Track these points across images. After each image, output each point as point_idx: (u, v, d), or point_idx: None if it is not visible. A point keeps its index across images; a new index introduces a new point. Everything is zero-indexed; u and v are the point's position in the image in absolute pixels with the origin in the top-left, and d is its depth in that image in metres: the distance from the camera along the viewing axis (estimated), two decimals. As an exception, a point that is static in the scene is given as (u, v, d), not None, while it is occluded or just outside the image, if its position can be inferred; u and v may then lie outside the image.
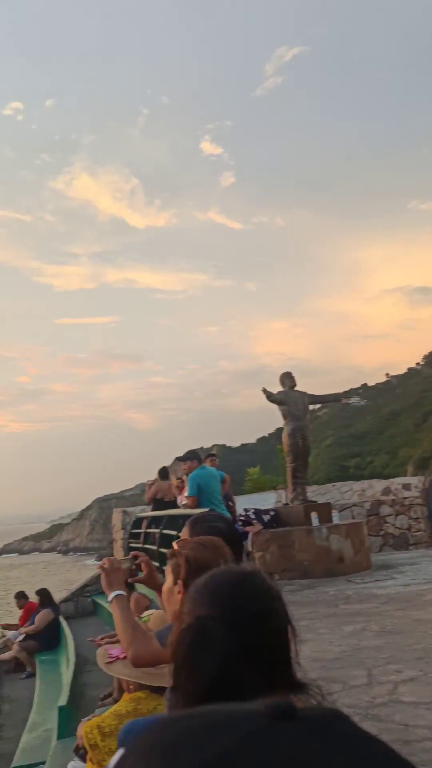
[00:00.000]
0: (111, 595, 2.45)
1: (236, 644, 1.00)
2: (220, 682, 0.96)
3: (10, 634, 10.62)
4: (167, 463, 11.51)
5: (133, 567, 2.69)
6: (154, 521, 10.06)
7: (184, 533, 2.58)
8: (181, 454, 7.49)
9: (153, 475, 11.06)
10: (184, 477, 8.67)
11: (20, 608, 10.99)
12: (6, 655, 10.00)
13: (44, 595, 10.42)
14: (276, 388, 9.30)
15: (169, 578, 2.06)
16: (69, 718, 5.82)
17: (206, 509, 5.82)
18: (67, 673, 7.54)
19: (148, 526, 10.49)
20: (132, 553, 2.76)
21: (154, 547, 8.73)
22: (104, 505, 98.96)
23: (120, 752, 0.54)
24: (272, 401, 9.08)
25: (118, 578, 2.54)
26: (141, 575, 2.73)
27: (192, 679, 0.96)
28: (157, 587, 2.64)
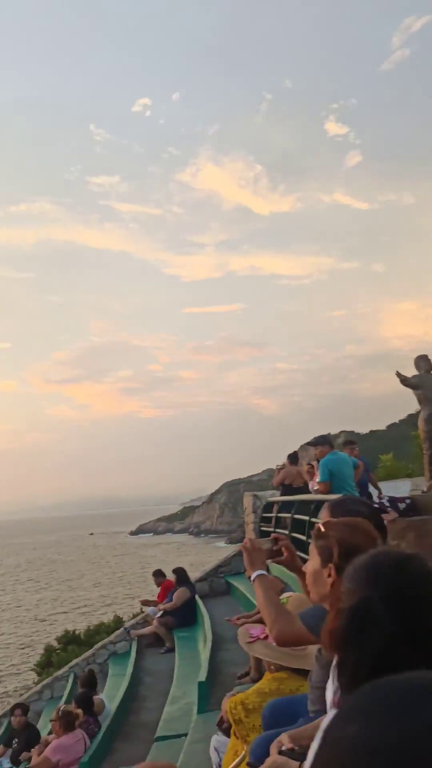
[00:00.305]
0: (254, 575, 2.48)
1: (401, 627, 0.98)
2: (384, 665, 0.95)
3: (149, 609, 11.14)
4: (293, 448, 11.44)
5: (274, 549, 2.70)
6: (285, 506, 10.08)
7: (324, 517, 2.54)
8: (306, 439, 7.40)
9: (279, 460, 11.05)
10: (314, 462, 8.59)
11: (158, 585, 11.48)
12: (146, 630, 10.52)
13: (181, 573, 10.80)
14: (409, 371, 8.95)
15: (315, 560, 2.01)
16: (208, 693, 6.02)
17: (341, 495, 5.73)
18: (204, 650, 7.78)
19: (279, 511, 10.54)
20: (273, 535, 2.77)
21: (285, 532, 8.76)
22: (233, 488, 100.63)
23: (334, 712, 0.55)
24: (407, 385, 8.76)
25: (260, 558, 2.56)
26: (281, 558, 2.73)
27: (360, 660, 0.96)
28: (297, 570, 2.64)
